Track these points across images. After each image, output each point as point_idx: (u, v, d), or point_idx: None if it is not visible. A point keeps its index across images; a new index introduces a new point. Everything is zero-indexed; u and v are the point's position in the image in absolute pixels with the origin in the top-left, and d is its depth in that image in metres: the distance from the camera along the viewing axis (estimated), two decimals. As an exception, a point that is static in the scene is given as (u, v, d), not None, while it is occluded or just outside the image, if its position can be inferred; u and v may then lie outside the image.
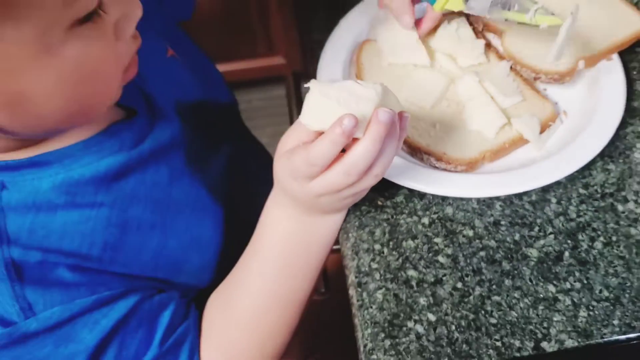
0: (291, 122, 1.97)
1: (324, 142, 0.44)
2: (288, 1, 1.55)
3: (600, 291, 0.49)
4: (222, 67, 0.81)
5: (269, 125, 2.01)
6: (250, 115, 2.03)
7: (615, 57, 0.61)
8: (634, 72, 0.61)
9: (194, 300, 0.56)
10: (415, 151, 0.56)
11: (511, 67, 0.61)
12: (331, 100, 0.44)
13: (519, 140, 0.57)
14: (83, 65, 0.41)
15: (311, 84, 0.45)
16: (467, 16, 0.64)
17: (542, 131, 0.57)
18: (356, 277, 0.52)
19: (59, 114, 0.43)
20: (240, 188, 0.65)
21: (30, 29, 0.37)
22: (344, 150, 0.45)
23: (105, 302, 0.48)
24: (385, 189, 0.55)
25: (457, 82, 0.59)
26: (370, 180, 0.47)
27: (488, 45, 0.62)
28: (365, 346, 0.49)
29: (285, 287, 0.53)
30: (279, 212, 0.52)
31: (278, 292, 0.53)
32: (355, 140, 0.44)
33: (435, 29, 0.62)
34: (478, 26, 0.63)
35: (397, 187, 0.55)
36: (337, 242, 0.55)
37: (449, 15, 0.64)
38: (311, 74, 0.69)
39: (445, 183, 0.54)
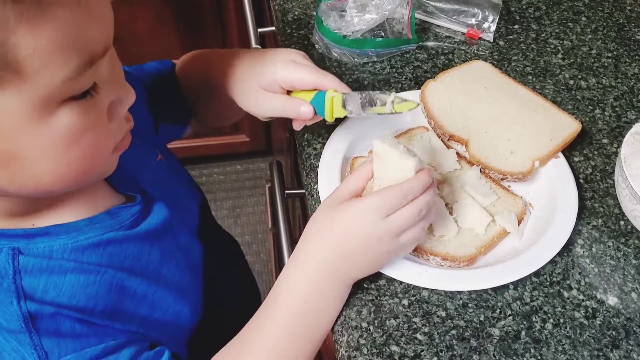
0: (250, 196, 2.05)
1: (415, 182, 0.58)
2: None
3: (552, 366, 0.59)
4: (187, 143, 0.90)
5: (227, 199, 2.09)
6: (210, 189, 2.11)
7: (561, 155, 0.73)
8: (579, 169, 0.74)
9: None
10: (421, 253, 0.65)
11: (480, 171, 0.72)
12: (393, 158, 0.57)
13: (502, 233, 0.68)
14: (73, 135, 0.47)
15: (376, 143, 0.59)
16: (434, 129, 0.75)
17: (518, 223, 0.68)
18: (346, 351, 0.60)
19: (52, 176, 0.48)
20: (213, 272, 0.73)
21: (30, 97, 0.43)
22: None
23: (112, 351, 0.54)
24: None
25: (441, 188, 0.70)
26: (424, 224, 0.59)
27: (457, 154, 0.74)
28: (356, 413, 0.56)
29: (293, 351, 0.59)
30: (297, 277, 0.59)
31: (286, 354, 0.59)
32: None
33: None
34: (444, 138, 0.75)
35: (379, 273, 0.64)
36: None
37: (419, 130, 0.75)
38: (275, 153, 0.76)
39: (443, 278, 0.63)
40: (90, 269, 0.55)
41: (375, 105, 0.64)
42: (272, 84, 0.67)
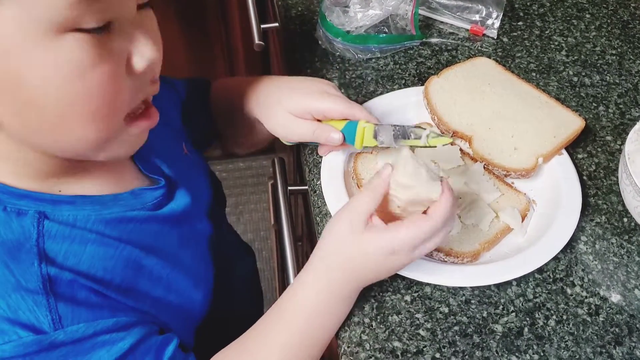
0: (252, 194, 2.05)
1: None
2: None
3: (555, 362, 0.59)
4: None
5: (230, 196, 2.09)
6: (212, 186, 2.11)
7: (564, 152, 0.73)
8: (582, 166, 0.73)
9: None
10: None
11: (484, 167, 0.71)
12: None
13: (506, 229, 0.68)
14: (77, 67, 0.45)
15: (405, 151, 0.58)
16: (437, 125, 0.75)
17: (522, 220, 0.68)
18: (348, 347, 0.60)
19: (55, 112, 0.47)
20: (221, 262, 0.73)
21: (31, 15, 0.42)
22: None
23: (123, 327, 0.54)
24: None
25: None
26: (443, 234, 0.58)
27: (461, 150, 0.73)
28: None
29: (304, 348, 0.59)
30: (312, 279, 0.59)
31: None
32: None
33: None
34: (447, 134, 0.74)
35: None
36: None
37: (423, 125, 0.75)
38: (277, 151, 0.75)
39: (447, 274, 0.63)
40: (110, 242, 0.55)
41: (408, 138, 0.66)
42: (303, 112, 0.69)
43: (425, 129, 0.65)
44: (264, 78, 0.74)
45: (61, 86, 0.46)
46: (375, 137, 0.67)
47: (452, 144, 0.70)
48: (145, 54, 0.50)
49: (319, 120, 0.70)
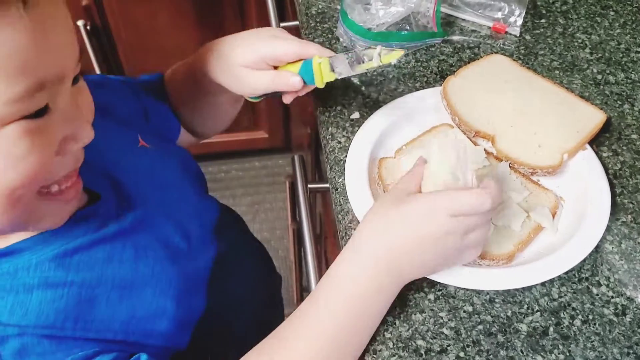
0: (268, 193, 2.05)
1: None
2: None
3: (581, 362, 0.58)
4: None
5: (246, 195, 2.09)
6: (228, 185, 2.11)
7: (588, 147, 0.72)
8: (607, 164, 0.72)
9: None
10: None
11: (509, 166, 0.71)
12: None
13: (538, 228, 0.67)
14: (16, 159, 0.45)
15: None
16: (459, 126, 0.74)
17: (552, 218, 0.67)
18: (371, 344, 0.59)
19: None
20: (225, 266, 0.71)
21: None
22: None
23: None
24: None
25: None
26: (488, 227, 0.59)
27: (485, 150, 0.73)
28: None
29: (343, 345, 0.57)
30: (350, 269, 0.57)
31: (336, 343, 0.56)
32: None
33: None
34: (470, 134, 0.74)
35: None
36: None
37: (443, 128, 0.75)
38: (294, 150, 0.75)
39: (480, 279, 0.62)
40: (57, 281, 0.54)
41: (363, 62, 0.65)
42: (257, 62, 0.68)
43: (375, 48, 0.65)
44: (212, 43, 0.72)
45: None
46: (332, 70, 0.66)
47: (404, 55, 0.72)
48: (83, 138, 0.50)
49: (275, 68, 0.69)
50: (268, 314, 0.84)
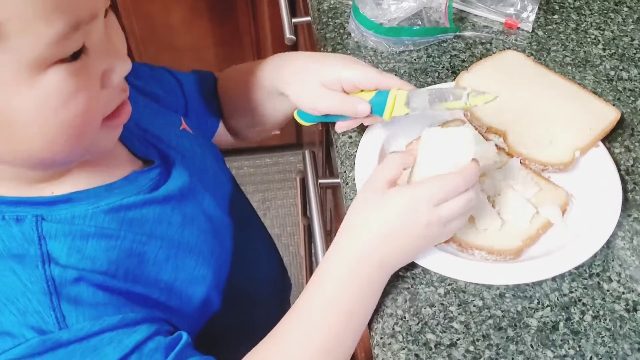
0: (279, 189, 2.06)
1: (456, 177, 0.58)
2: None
3: (591, 358, 0.58)
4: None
5: (257, 192, 2.10)
6: (240, 181, 2.12)
7: (601, 144, 0.72)
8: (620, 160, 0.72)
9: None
10: (465, 248, 0.64)
11: (520, 162, 0.70)
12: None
13: (547, 224, 0.66)
14: (62, 97, 0.47)
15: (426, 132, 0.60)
16: (470, 121, 0.74)
17: (562, 214, 0.67)
18: (381, 338, 0.60)
19: (42, 141, 0.49)
20: (241, 239, 0.73)
21: (15, 58, 0.43)
22: None
23: (129, 324, 0.53)
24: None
25: (481, 181, 0.68)
26: (468, 215, 0.61)
27: (496, 146, 0.72)
28: (391, 399, 0.56)
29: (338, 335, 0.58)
30: (339, 259, 0.59)
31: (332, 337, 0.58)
32: None
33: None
34: (481, 130, 0.74)
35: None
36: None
37: (455, 123, 0.74)
38: (304, 147, 0.76)
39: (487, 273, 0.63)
40: (111, 233, 0.56)
41: (446, 101, 0.63)
42: (334, 82, 0.68)
43: (465, 88, 0.62)
44: (288, 53, 0.73)
45: (47, 119, 0.47)
46: (407, 104, 0.64)
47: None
48: (123, 70, 0.52)
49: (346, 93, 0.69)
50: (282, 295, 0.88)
